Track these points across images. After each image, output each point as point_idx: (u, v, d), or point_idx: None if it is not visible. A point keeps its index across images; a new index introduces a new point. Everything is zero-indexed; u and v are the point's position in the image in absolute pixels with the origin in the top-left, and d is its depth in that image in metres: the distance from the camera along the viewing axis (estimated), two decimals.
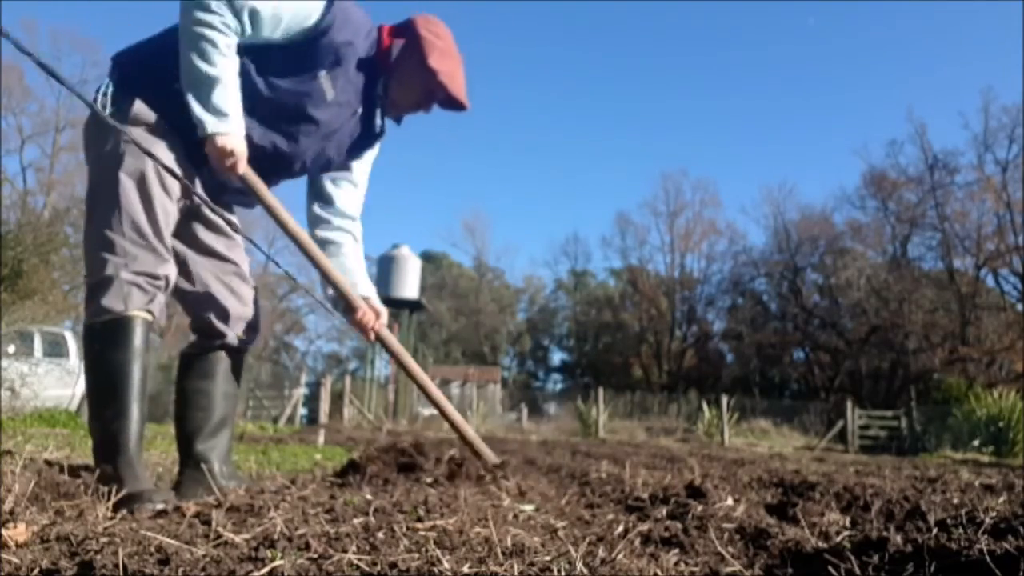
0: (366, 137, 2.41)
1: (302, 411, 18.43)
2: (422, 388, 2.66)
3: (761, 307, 37.88)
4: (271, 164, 2.22)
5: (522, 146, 61.28)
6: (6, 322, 9.89)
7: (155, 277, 2.05)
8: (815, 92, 55.26)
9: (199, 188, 2.18)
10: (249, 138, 2.09)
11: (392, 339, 2.55)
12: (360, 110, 2.31)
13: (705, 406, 19.50)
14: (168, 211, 2.09)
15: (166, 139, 2.08)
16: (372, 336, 2.48)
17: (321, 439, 8.54)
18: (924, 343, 30.71)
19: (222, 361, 2.33)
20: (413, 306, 22.47)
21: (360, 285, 2.48)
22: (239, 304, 2.34)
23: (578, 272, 45.05)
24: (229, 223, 2.32)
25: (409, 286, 21.85)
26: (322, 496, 2.00)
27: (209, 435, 2.28)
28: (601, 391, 18.82)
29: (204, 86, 1.98)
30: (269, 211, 2.20)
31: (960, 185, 33.21)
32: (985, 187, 31.87)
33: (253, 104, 2.10)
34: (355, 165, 2.48)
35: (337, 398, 18.25)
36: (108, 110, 2.03)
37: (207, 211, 2.24)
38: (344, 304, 2.45)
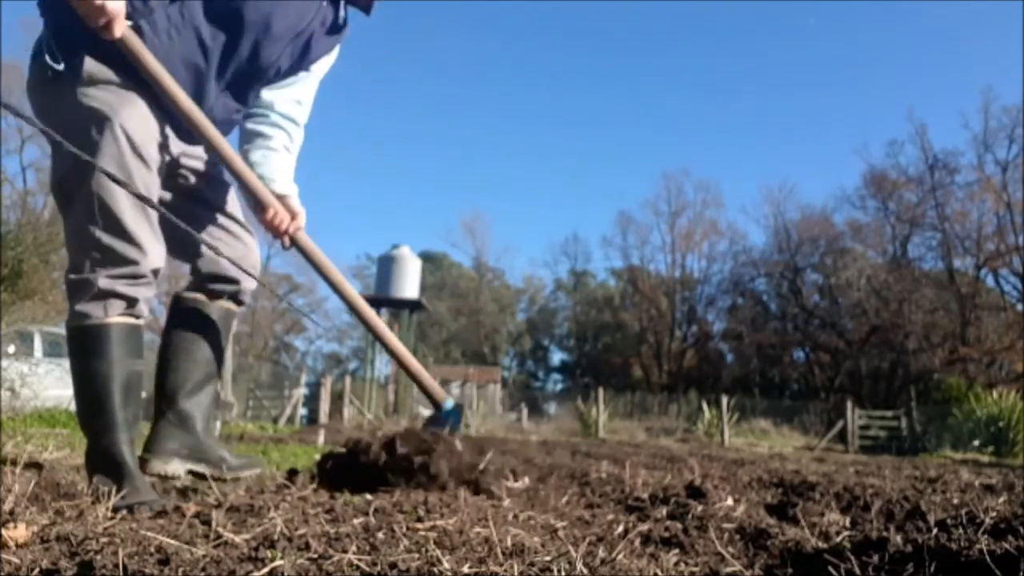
0: (333, 28, 2.21)
1: (302, 411, 18.43)
2: (366, 322, 2.43)
3: (761, 307, 37.88)
4: (243, 75, 2.05)
5: (522, 146, 61.32)
6: (6, 322, 9.88)
7: (136, 276, 1.90)
8: (815, 92, 55.32)
9: (173, 142, 2.01)
10: (217, 52, 1.94)
11: (311, 245, 2.25)
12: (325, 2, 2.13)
13: (705, 406, 19.50)
14: (147, 182, 1.89)
15: (131, 94, 1.87)
16: (287, 241, 2.20)
17: (321, 439, 8.54)
18: (924, 343, 30.71)
19: (222, 312, 2.20)
20: (413, 306, 22.48)
21: (277, 182, 2.20)
22: (240, 245, 2.21)
23: (578, 272, 45.09)
24: (232, 217, 2.22)
25: (409, 286, 21.84)
26: (322, 496, 2.00)
27: (195, 389, 2.13)
28: (601, 391, 18.81)
29: None
30: (156, 82, 1.87)
31: (960, 185, 33.28)
32: (985, 187, 31.89)
33: (211, 13, 1.92)
34: (312, 67, 2.25)
35: (337, 398, 18.25)
36: (58, 68, 1.80)
37: (188, 159, 2.09)
38: (253, 201, 2.16)
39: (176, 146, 2.05)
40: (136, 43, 1.82)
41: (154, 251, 1.94)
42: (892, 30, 51.90)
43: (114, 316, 1.88)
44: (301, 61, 2.19)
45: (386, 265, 22.07)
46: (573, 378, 43.18)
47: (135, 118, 1.86)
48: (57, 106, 1.86)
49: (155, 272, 1.95)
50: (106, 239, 1.85)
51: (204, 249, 2.16)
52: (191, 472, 2.12)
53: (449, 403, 2.55)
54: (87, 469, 1.90)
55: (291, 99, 2.24)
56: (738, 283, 38.30)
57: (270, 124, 2.23)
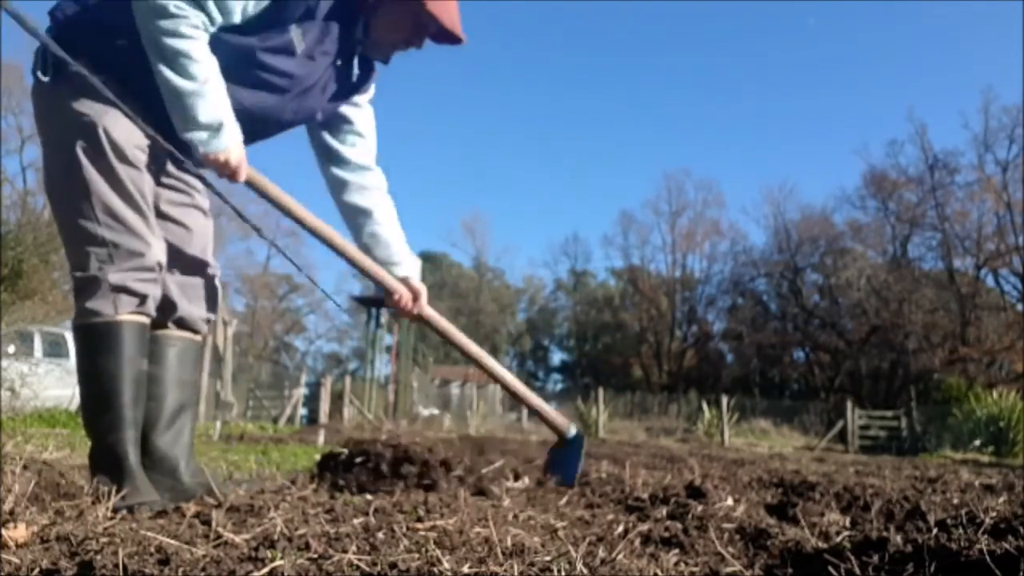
0: (349, 85, 2.24)
1: (302, 411, 18.41)
2: (479, 364, 2.53)
3: (761, 307, 37.89)
4: (248, 123, 2.05)
5: (523, 146, 61.34)
6: (6, 322, 9.89)
7: (145, 269, 1.90)
8: (815, 92, 55.32)
9: (161, 159, 2.03)
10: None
11: (437, 317, 2.39)
12: (338, 59, 2.14)
13: (705, 406, 19.50)
14: (138, 183, 1.91)
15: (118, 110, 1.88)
16: (414, 317, 2.35)
17: (321, 439, 8.54)
18: (924, 343, 30.71)
19: (174, 341, 2.12)
20: None
21: (399, 263, 2.33)
22: (192, 274, 2.15)
23: (578, 272, 45.09)
24: (240, 215, 2.26)
25: None
26: (322, 496, 2.00)
27: (165, 427, 2.05)
28: (601, 391, 18.81)
29: (188, 102, 1.83)
30: (280, 207, 2.07)
31: (960, 185, 33.28)
32: (985, 187, 31.89)
33: (222, 65, 1.93)
34: (354, 114, 2.30)
35: (337, 398, 18.23)
36: (44, 79, 1.85)
37: (169, 176, 2.10)
38: (382, 288, 2.31)
39: (161, 162, 2.04)
40: (260, 179, 2.01)
41: (156, 244, 1.95)
42: (892, 30, 51.95)
43: (125, 313, 1.87)
44: (312, 115, 2.20)
45: None
46: (573, 378, 43.19)
47: (120, 123, 1.87)
48: (50, 112, 1.91)
49: (160, 267, 1.95)
50: (109, 235, 1.86)
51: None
52: None
53: (572, 430, 2.55)
54: (90, 467, 1.90)
55: (363, 148, 2.32)
56: (738, 283, 38.31)
57: (358, 190, 2.32)
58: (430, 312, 2.36)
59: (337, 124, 2.29)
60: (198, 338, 2.21)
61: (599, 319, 42.53)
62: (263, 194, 2.05)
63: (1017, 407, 14.24)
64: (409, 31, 2.14)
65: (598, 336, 42.56)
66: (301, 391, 18.63)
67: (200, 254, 2.18)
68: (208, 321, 2.22)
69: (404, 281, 2.32)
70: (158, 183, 2.07)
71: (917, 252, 35.15)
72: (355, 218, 2.32)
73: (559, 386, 44.31)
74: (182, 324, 2.14)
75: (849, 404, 18.93)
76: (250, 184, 2.01)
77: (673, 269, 40.11)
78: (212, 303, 2.22)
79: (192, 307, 2.15)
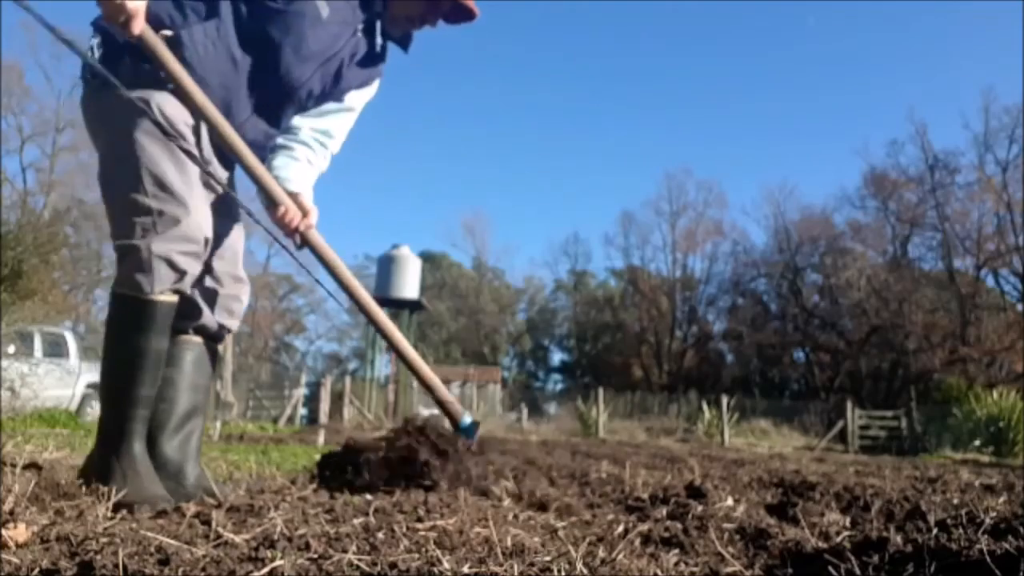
0: (368, 59, 2.24)
1: (302, 411, 18.43)
2: (380, 328, 2.38)
3: (761, 307, 37.89)
4: (275, 96, 2.09)
5: (523, 146, 61.31)
6: (6, 322, 9.89)
7: (189, 239, 1.90)
8: (816, 92, 55.28)
9: (206, 150, 2.04)
10: (248, 70, 2.00)
11: (322, 244, 2.20)
12: (360, 29, 2.16)
13: (705, 406, 19.51)
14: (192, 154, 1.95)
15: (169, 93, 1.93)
16: (297, 239, 2.17)
17: (321, 439, 8.55)
18: (924, 343, 30.71)
19: (192, 347, 2.12)
20: (413, 306, 22.47)
21: (291, 181, 2.19)
22: (219, 283, 2.16)
23: (578, 272, 45.08)
24: (243, 207, 2.20)
25: (409, 286, 21.84)
26: (322, 496, 2.00)
27: (174, 430, 2.05)
28: (601, 391, 18.82)
29: None
30: (174, 78, 1.89)
31: (960, 185, 33.29)
32: (985, 187, 31.89)
33: (245, 32, 1.97)
34: (353, 93, 2.28)
35: (337, 398, 18.26)
36: (92, 79, 1.92)
37: (211, 178, 2.09)
38: (265, 198, 2.14)
39: (207, 147, 2.05)
40: (154, 40, 1.84)
41: (202, 214, 1.95)
42: (892, 30, 51.92)
43: (160, 292, 1.88)
44: (333, 88, 2.21)
45: (386, 265, 22.07)
46: (573, 378, 43.19)
47: (170, 101, 1.91)
48: (102, 110, 1.95)
49: (206, 242, 1.95)
50: (154, 203, 1.87)
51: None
52: None
53: (467, 419, 2.49)
54: (96, 444, 1.92)
55: (322, 128, 2.26)
56: (738, 283, 38.32)
57: (297, 140, 2.25)
58: (317, 237, 2.19)
59: (333, 98, 2.26)
60: (216, 345, 2.22)
61: (599, 319, 42.52)
62: (159, 62, 1.86)
63: (1017, 407, 14.24)
64: (424, 6, 2.21)
65: (598, 336, 42.55)
66: (301, 391, 18.65)
67: (230, 264, 2.18)
68: (228, 331, 2.22)
69: (294, 197, 2.16)
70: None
71: (917, 252, 35.20)
72: (275, 151, 2.23)
73: (559, 386, 44.36)
74: (202, 332, 2.14)
75: (849, 404, 18.93)
76: (143, 41, 1.82)
77: (674, 269, 40.14)
78: (236, 315, 2.23)
79: (216, 317, 2.15)
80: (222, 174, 2.11)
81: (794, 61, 55.14)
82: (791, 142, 56.52)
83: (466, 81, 60.84)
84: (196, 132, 1.99)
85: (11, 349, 9.56)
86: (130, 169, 1.88)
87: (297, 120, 2.24)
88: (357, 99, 2.31)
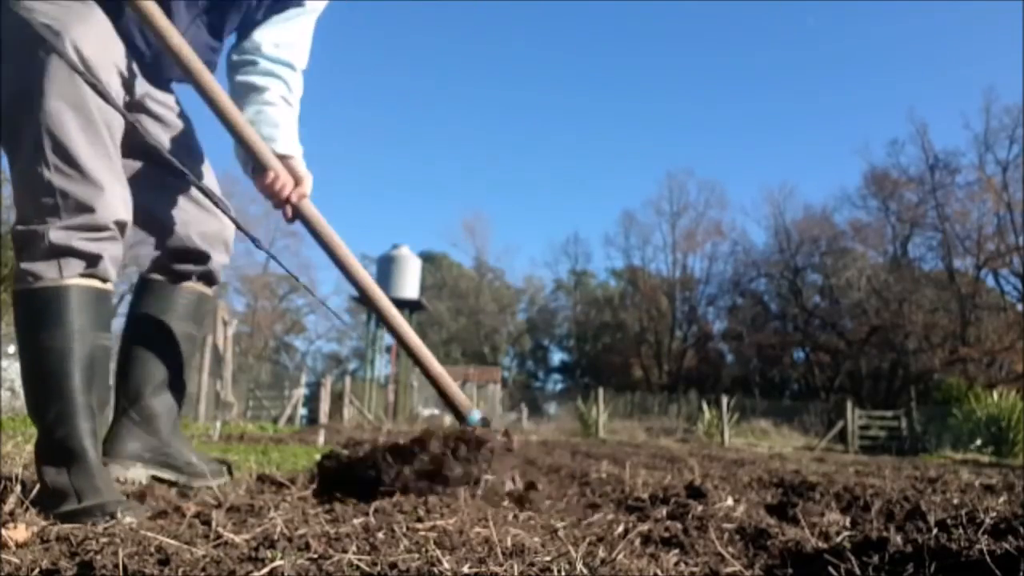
0: None
1: (302, 411, 18.44)
2: (381, 314, 2.11)
3: (761, 307, 37.92)
4: (225, 4, 1.80)
5: (524, 146, 61.34)
6: (6, 322, 9.88)
7: (96, 228, 1.57)
8: (816, 92, 55.32)
9: (138, 75, 1.73)
10: None
11: (317, 216, 1.93)
12: None
13: (705, 406, 19.52)
14: (109, 120, 1.59)
15: (87, 9, 1.57)
16: (289, 211, 1.90)
17: (321, 439, 8.54)
18: (924, 343, 30.74)
19: (191, 293, 1.94)
20: (413, 306, 22.49)
21: (280, 141, 1.88)
22: (214, 219, 1.95)
23: (578, 272, 45.10)
24: (218, 203, 1.89)
25: (409, 286, 21.87)
26: (322, 496, 2.00)
27: (162, 385, 1.86)
28: (601, 391, 18.83)
29: None
30: (147, 21, 1.62)
31: (961, 185, 33.36)
32: (986, 187, 31.92)
33: None
34: (295, 12, 1.96)
35: (337, 398, 18.27)
36: None
37: (155, 105, 1.81)
38: (252, 163, 1.86)
39: (141, 86, 1.75)
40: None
41: (116, 196, 1.61)
42: (893, 30, 51.93)
43: (71, 277, 1.56)
44: None
45: (386, 265, 22.09)
46: (573, 378, 43.21)
47: (90, 36, 1.55)
48: (6, 16, 1.56)
49: (120, 226, 1.63)
50: (58, 180, 1.53)
51: (176, 223, 1.88)
52: (154, 478, 1.89)
53: (475, 415, 2.26)
54: (36, 464, 1.59)
55: (282, 41, 1.93)
56: (738, 283, 38.35)
57: (262, 73, 1.91)
58: (310, 208, 1.91)
59: (270, 12, 1.96)
60: (209, 291, 2.03)
61: (599, 319, 42.55)
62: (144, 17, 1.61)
63: (1017, 407, 14.24)
64: None
65: (598, 336, 42.57)
66: (301, 391, 18.65)
67: (208, 196, 1.90)
68: (222, 266, 2.02)
69: (284, 161, 1.88)
70: (142, 114, 1.76)
71: (917, 252, 35.26)
72: (242, 94, 1.91)
73: (559, 386, 44.39)
74: (206, 277, 1.96)
75: (849, 404, 18.95)
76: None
77: (674, 269, 40.17)
78: (229, 247, 2.03)
79: (219, 256, 1.97)
80: (163, 138, 1.82)
81: (795, 61, 55.18)
82: (791, 142, 56.61)
83: (466, 81, 60.87)
84: (126, 75, 1.65)
85: (11, 349, 9.55)
86: (29, 129, 1.52)
87: (256, 35, 1.91)
88: (316, 2, 2.00)
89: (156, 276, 1.94)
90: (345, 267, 1.99)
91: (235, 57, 1.95)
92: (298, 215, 1.91)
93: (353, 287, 2.08)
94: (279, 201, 1.87)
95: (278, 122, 1.90)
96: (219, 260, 1.98)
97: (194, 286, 1.97)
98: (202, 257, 1.94)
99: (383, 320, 2.12)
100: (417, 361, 2.18)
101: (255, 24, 1.93)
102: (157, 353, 1.89)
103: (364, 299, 2.10)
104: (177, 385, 1.94)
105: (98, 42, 1.57)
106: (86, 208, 1.55)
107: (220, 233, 1.98)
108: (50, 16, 1.52)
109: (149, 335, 1.90)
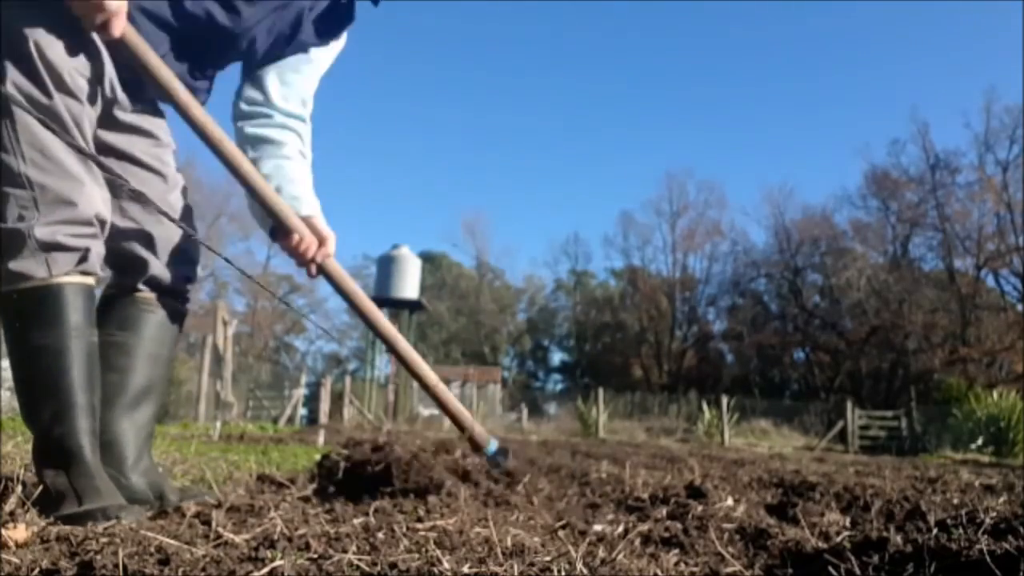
0: (333, 8, 1.92)
1: (302, 411, 18.44)
2: (402, 359, 2.15)
3: (761, 307, 37.93)
4: (209, 40, 1.74)
5: (524, 146, 61.35)
6: None
7: (80, 222, 1.53)
8: (817, 92, 55.32)
9: (114, 84, 1.68)
10: (177, 6, 1.66)
11: (341, 273, 1.96)
12: None
13: (705, 406, 19.52)
14: (77, 115, 1.54)
15: (54, 15, 1.50)
16: (313, 270, 1.90)
17: (321, 439, 8.53)
18: (924, 343, 30.74)
19: (150, 309, 1.80)
20: (413, 306, 22.48)
21: (302, 201, 1.87)
22: (166, 226, 1.81)
23: (578, 272, 45.10)
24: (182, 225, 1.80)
25: (409, 286, 21.85)
26: (322, 496, 2.00)
27: (125, 409, 1.73)
28: (601, 391, 18.84)
29: None
30: (155, 79, 1.62)
31: (961, 185, 33.36)
32: (986, 187, 31.93)
33: None
34: (314, 50, 1.94)
35: (337, 398, 18.27)
36: None
37: (122, 96, 1.72)
38: (274, 224, 1.84)
39: (113, 92, 1.70)
40: (138, 43, 1.58)
41: (95, 192, 1.58)
42: (894, 30, 51.93)
43: (62, 275, 1.52)
44: (289, 41, 1.90)
45: (386, 265, 22.08)
46: (573, 378, 43.20)
47: (57, 40, 1.51)
48: None
49: (101, 222, 1.59)
50: (35, 174, 1.49)
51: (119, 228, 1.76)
52: None
53: (493, 445, 2.33)
54: (35, 467, 1.56)
55: (292, 95, 1.93)
56: (738, 283, 38.36)
57: (276, 126, 1.91)
58: (336, 267, 1.93)
59: (292, 55, 1.94)
60: (182, 308, 1.90)
61: (599, 319, 42.55)
62: (139, 61, 1.59)
63: (1017, 407, 14.25)
64: None
65: (598, 336, 42.58)
66: (301, 391, 18.65)
67: (169, 199, 1.82)
68: (189, 281, 1.89)
69: (307, 222, 1.86)
70: (107, 120, 1.70)
71: (918, 252, 35.28)
72: (256, 147, 1.89)
73: (559, 386, 44.40)
74: (156, 287, 1.82)
75: (849, 404, 18.95)
76: (126, 44, 1.56)
77: (674, 269, 40.18)
78: (191, 262, 1.89)
79: (166, 266, 1.81)
80: (134, 149, 1.74)
81: (795, 61, 55.18)
82: (791, 142, 56.65)
83: (467, 81, 60.86)
84: (96, 85, 1.58)
85: None
86: (3, 121, 1.48)
87: (266, 84, 1.90)
88: (325, 53, 1.99)
89: (111, 293, 1.83)
90: (369, 320, 2.05)
91: (245, 107, 1.93)
92: (322, 273, 1.93)
93: (378, 337, 2.17)
94: (305, 262, 1.88)
95: (298, 179, 1.91)
96: (159, 269, 1.82)
97: (152, 298, 1.84)
98: (140, 266, 1.80)
99: (405, 366, 2.18)
100: (439, 403, 2.25)
101: (256, 66, 1.91)
102: (115, 373, 1.75)
103: (388, 348, 2.16)
104: (143, 408, 1.80)
105: (62, 49, 1.51)
106: (66, 202, 1.52)
107: (166, 238, 1.84)
108: (16, 16, 1.48)
109: (105, 356, 1.71)
